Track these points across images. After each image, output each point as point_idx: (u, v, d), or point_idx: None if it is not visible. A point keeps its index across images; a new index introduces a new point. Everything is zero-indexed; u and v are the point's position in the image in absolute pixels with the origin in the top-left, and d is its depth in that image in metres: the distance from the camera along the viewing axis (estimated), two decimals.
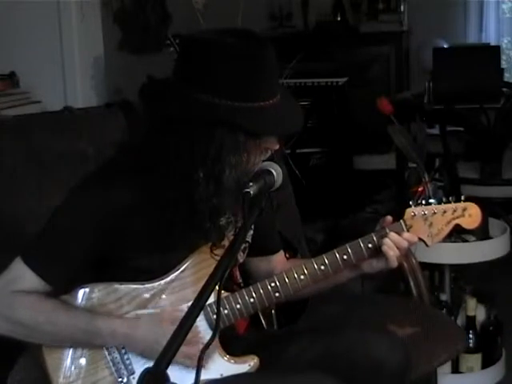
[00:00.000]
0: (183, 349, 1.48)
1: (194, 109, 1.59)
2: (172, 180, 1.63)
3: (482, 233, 3.02)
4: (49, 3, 3.76)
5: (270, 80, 1.63)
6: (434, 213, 1.79)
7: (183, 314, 1.42)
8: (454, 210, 1.80)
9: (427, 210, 1.79)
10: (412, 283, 2.50)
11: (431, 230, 1.79)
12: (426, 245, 1.81)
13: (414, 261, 2.53)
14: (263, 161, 1.67)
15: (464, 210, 1.80)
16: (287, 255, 2.04)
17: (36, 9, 3.73)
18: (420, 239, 1.80)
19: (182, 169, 1.62)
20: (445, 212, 1.79)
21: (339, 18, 5.90)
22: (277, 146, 1.68)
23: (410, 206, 1.79)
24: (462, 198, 1.82)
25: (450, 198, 1.80)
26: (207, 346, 1.35)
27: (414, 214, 1.79)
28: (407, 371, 1.80)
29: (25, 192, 2.11)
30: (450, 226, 1.80)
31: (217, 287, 1.40)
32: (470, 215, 1.80)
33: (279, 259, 1.98)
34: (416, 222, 1.79)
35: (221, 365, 1.74)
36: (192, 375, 1.60)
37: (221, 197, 1.63)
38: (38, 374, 1.79)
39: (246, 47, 1.58)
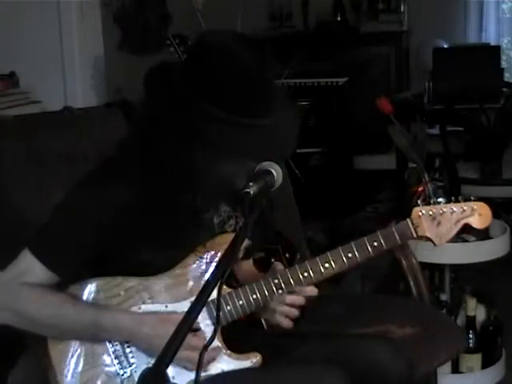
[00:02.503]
0: (186, 353, 1.50)
1: (181, 109, 1.61)
2: (166, 180, 1.67)
3: (481, 233, 3.02)
4: (49, 3, 3.76)
5: (265, 99, 1.63)
6: (442, 212, 1.78)
7: None
8: (463, 210, 1.79)
9: (435, 209, 1.78)
10: (412, 283, 2.49)
11: (439, 230, 1.78)
12: (434, 244, 1.80)
13: (414, 261, 2.53)
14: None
15: (473, 209, 1.79)
16: (287, 255, 2.05)
17: (36, 9, 3.73)
18: (428, 239, 1.80)
19: (172, 169, 1.65)
20: (453, 211, 1.78)
21: (339, 18, 5.90)
22: (253, 165, 1.68)
23: (418, 205, 1.79)
24: (472, 197, 1.81)
25: (460, 198, 1.80)
26: (208, 344, 1.36)
27: (422, 213, 1.78)
28: (412, 377, 1.81)
29: (25, 192, 2.11)
30: (459, 226, 1.79)
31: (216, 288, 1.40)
32: (480, 214, 1.79)
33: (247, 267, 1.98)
34: (423, 222, 1.78)
35: (223, 361, 1.75)
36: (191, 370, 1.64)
37: (203, 196, 1.68)
38: (38, 374, 1.79)
39: (250, 62, 1.60)
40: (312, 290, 1.77)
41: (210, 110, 1.58)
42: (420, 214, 1.78)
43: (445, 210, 1.78)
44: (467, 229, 1.82)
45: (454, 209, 1.79)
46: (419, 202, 1.79)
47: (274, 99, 1.66)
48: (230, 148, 1.62)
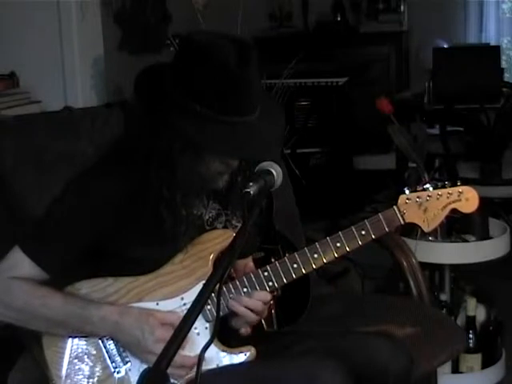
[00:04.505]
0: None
1: (165, 107, 1.64)
2: (149, 176, 1.70)
3: (482, 233, 3.02)
4: (49, 3, 3.75)
5: (245, 98, 1.65)
6: (429, 198, 1.78)
7: (173, 315, 1.62)
8: (450, 195, 1.78)
9: (421, 195, 1.78)
10: (412, 283, 2.49)
11: (426, 216, 1.78)
12: (423, 230, 1.80)
13: (414, 261, 2.53)
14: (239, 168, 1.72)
15: (460, 193, 1.78)
16: (287, 255, 2.04)
17: (36, 9, 3.73)
18: (415, 225, 1.80)
19: (152, 166, 1.69)
20: (440, 196, 1.78)
21: (339, 18, 5.91)
22: (234, 163, 1.71)
23: (405, 193, 1.79)
24: (459, 182, 1.80)
25: (446, 183, 1.79)
26: (206, 347, 1.37)
27: (408, 200, 1.77)
28: (410, 375, 1.82)
29: (25, 191, 2.11)
30: (447, 211, 1.78)
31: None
32: (467, 199, 1.78)
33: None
34: (410, 208, 1.77)
35: (217, 355, 1.76)
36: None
37: (184, 195, 1.70)
38: (37, 375, 1.80)
39: (232, 61, 1.61)
40: (265, 295, 1.76)
41: (189, 106, 1.61)
42: (406, 200, 1.77)
43: (431, 195, 1.78)
44: (456, 214, 1.81)
45: (440, 194, 1.78)
46: (406, 189, 1.78)
47: (254, 98, 1.67)
48: (208, 145, 1.65)
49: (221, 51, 1.62)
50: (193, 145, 1.64)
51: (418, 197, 1.78)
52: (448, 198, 1.78)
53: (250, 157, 1.72)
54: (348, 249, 1.77)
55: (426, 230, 1.80)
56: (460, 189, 1.79)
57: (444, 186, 1.79)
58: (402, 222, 1.78)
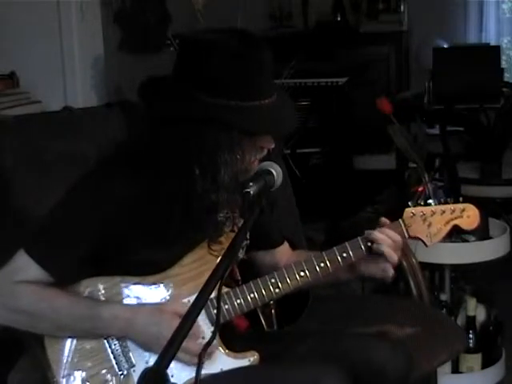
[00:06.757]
0: (183, 344, 1.50)
1: (189, 107, 1.62)
2: (169, 177, 1.67)
3: (482, 233, 3.02)
4: (49, 3, 3.76)
5: (265, 80, 1.65)
6: (433, 213, 1.82)
7: (184, 307, 1.57)
8: (453, 211, 1.83)
9: (426, 210, 1.82)
10: (412, 283, 2.49)
11: (430, 230, 1.82)
12: (425, 245, 1.83)
13: (414, 261, 2.53)
14: (260, 160, 1.69)
15: (462, 210, 1.83)
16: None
17: (36, 9, 3.73)
18: (419, 239, 1.82)
19: (177, 166, 1.65)
20: (443, 212, 1.82)
21: (339, 18, 5.90)
22: (272, 145, 1.70)
23: (409, 206, 1.82)
24: (461, 199, 1.84)
25: (449, 199, 1.83)
26: (208, 344, 1.36)
27: (413, 214, 1.81)
28: (409, 375, 1.82)
29: (25, 192, 2.11)
30: (449, 227, 1.83)
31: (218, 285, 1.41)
32: (469, 216, 1.83)
33: (283, 251, 2.01)
34: (415, 222, 1.81)
35: (221, 360, 1.75)
36: (190, 368, 1.66)
37: (217, 193, 1.66)
38: (37, 375, 1.79)
39: (242, 47, 1.61)
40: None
41: (208, 100, 1.59)
42: (411, 214, 1.82)
43: (435, 211, 1.82)
44: (457, 230, 1.85)
45: (444, 210, 1.82)
46: (410, 203, 1.82)
47: (270, 77, 1.66)
48: (249, 128, 1.63)
49: (223, 39, 1.61)
50: (228, 137, 1.61)
51: (422, 211, 1.82)
52: (451, 214, 1.83)
53: (288, 130, 1.73)
54: (353, 259, 1.81)
55: (428, 244, 1.83)
56: (462, 206, 1.84)
57: (447, 202, 1.83)
58: (407, 235, 1.82)
